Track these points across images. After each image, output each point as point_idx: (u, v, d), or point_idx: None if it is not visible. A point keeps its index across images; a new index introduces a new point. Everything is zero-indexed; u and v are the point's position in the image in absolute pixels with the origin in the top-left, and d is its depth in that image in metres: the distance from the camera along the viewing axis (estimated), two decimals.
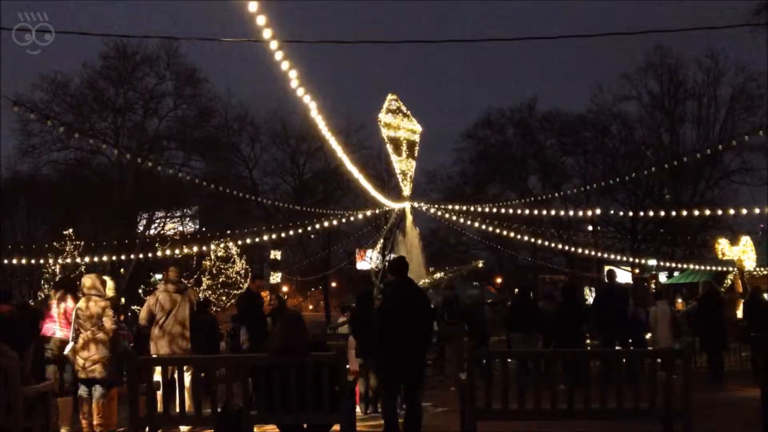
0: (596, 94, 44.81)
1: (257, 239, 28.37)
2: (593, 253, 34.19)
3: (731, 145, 31.09)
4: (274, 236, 28.58)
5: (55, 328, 8.87)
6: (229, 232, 29.33)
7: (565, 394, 7.31)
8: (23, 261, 23.74)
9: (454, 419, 8.09)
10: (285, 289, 44.56)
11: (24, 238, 40.99)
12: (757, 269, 26.84)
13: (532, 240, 31.29)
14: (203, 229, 39.25)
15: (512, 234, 28.94)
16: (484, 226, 27.77)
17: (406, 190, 25.49)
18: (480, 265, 30.37)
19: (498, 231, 27.42)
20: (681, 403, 6.83)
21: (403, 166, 25.06)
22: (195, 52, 62.25)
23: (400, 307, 7.37)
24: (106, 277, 8.93)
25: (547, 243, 32.74)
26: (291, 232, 26.92)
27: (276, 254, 41.63)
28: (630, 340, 13.44)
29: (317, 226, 27.31)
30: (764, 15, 26.21)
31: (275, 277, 30.59)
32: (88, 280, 8.29)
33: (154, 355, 8.66)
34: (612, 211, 39.76)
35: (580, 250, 33.30)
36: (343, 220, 29.00)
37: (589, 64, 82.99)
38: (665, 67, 43.06)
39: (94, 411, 7.94)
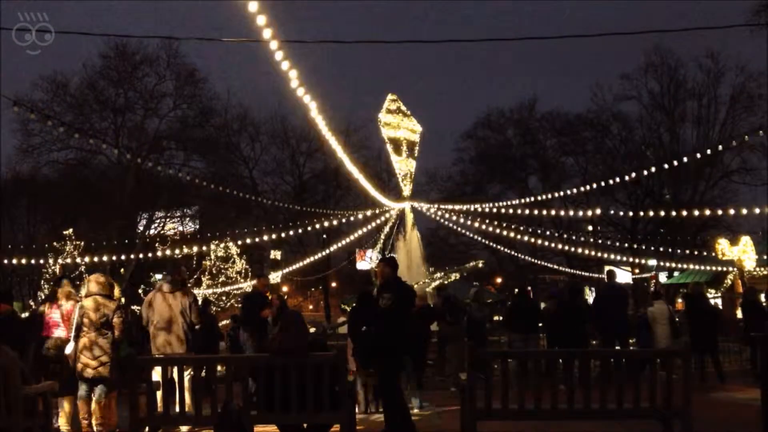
0: (596, 94, 44.94)
1: (257, 239, 28.38)
2: (593, 253, 34.19)
3: (731, 145, 31.08)
4: (273, 236, 28.58)
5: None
6: (228, 232, 29.44)
7: (565, 394, 7.31)
8: (23, 261, 23.72)
9: (454, 419, 8.09)
10: (285, 289, 44.57)
11: (24, 238, 41.00)
12: (757, 269, 26.83)
13: (532, 240, 31.27)
14: (202, 229, 39.25)
15: (512, 234, 28.92)
16: (484, 226, 27.76)
17: (406, 190, 25.46)
18: (480, 265, 30.35)
19: (498, 231, 27.39)
20: (681, 403, 6.83)
21: (403, 166, 25.03)
22: (195, 52, 62.29)
23: (412, 304, 7.55)
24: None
25: (547, 243, 32.73)
26: (291, 232, 26.93)
27: (276, 254, 41.65)
28: (633, 340, 13.45)
29: (317, 226, 27.30)
30: (764, 15, 26.24)
31: (275, 277, 30.60)
32: (96, 281, 8.26)
33: (154, 355, 8.65)
34: (612, 211, 39.78)
35: (580, 250, 33.29)
36: (344, 220, 29.00)
37: (589, 64, 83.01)
38: (665, 67, 43.16)
39: (94, 411, 7.94)
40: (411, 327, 7.65)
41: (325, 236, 40.75)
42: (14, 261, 23.34)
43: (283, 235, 29.40)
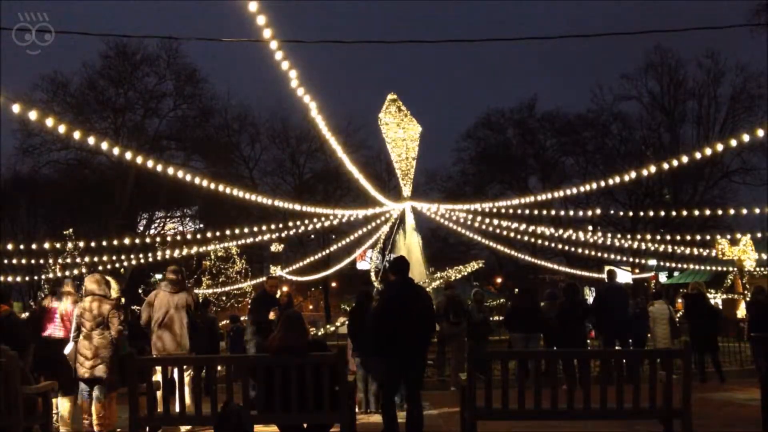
0: (596, 94, 45.01)
1: (257, 239, 28.32)
2: (593, 253, 34.17)
3: (731, 145, 31.01)
4: (274, 235, 28.54)
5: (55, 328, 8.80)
6: (228, 232, 29.46)
7: (565, 394, 7.30)
8: (23, 261, 23.66)
9: (454, 419, 8.09)
10: (285, 289, 44.53)
11: (24, 238, 41.01)
12: (757, 269, 26.79)
13: (532, 240, 31.21)
14: (203, 227, 39.25)
15: (512, 234, 28.88)
16: (484, 226, 27.72)
17: (406, 190, 25.41)
18: (480, 265, 30.28)
19: (498, 231, 27.33)
20: (681, 403, 6.83)
21: (403, 166, 24.98)
22: (195, 52, 62.31)
23: (401, 307, 7.26)
24: (109, 278, 8.88)
25: (547, 243, 32.68)
26: (290, 225, 26.85)
27: (278, 247, 41.57)
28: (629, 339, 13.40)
29: (317, 225, 27.25)
30: (764, 15, 26.27)
31: (275, 271, 30.65)
32: (93, 281, 8.26)
33: (155, 355, 8.65)
34: (612, 211, 39.77)
35: (580, 250, 33.25)
36: (344, 220, 28.95)
37: (589, 64, 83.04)
38: (665, 67, 43.21)
39: (94, 411, 7.94)
40: (404, 328, 7.38)
41: (334, 236, 40.67)
42: (14, 261, 23.26)
43: (283, 234, 29.36)
